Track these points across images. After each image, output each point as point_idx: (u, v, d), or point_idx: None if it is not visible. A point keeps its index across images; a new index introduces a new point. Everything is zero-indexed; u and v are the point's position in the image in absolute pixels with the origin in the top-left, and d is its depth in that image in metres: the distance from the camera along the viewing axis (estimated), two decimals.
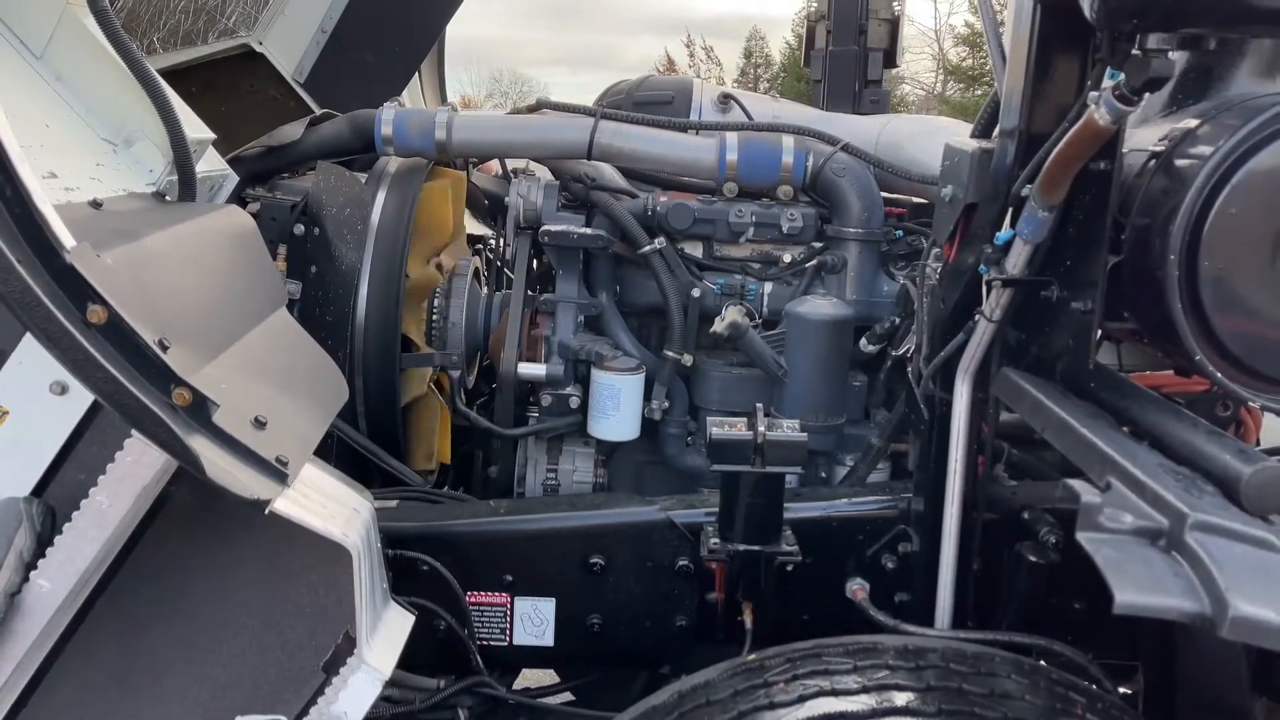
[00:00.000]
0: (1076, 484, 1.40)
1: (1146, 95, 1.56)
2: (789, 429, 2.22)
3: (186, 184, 1.98)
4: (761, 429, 2.18)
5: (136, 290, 1.43)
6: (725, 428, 2.22)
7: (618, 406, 2.51)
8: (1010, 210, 1.86)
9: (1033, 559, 2.07)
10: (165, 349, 1.36)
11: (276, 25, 3.42)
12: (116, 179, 1.85)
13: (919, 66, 25.95)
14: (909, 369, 2.34)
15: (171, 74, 3.24)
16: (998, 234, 1.87)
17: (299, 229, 2.53)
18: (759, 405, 2.24)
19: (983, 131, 2.13)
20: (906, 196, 2.83)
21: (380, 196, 2.61)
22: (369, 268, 2.53)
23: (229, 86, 3.43)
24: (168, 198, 1.98)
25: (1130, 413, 1.70)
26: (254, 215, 2.58)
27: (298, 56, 3.48)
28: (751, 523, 2.18)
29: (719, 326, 2.42)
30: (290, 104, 3.48)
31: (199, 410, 1.37)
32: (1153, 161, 1.72)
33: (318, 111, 2.96)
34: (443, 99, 4.39)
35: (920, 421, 2.22)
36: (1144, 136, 1.81)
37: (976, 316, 1.96)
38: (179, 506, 1.54)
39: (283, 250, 2.51)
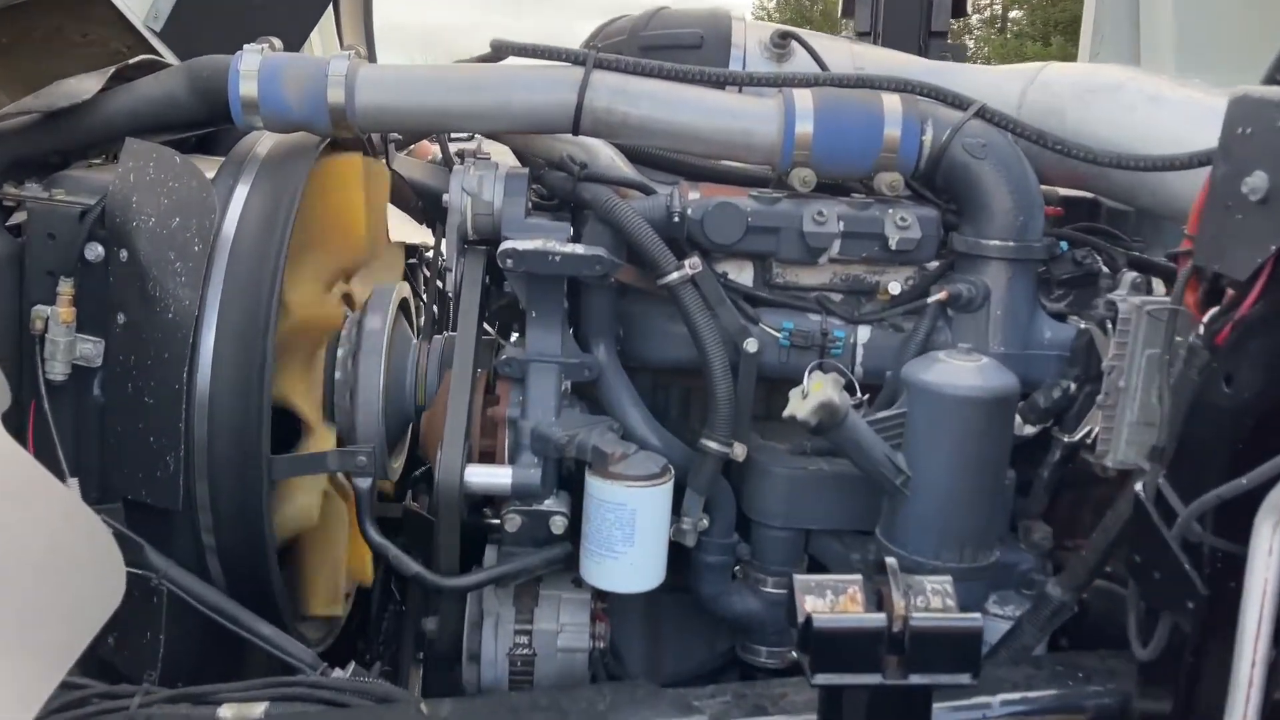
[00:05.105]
0: None
1: None
2: (937, 592, 1.28)
3: None
4: (899, 603, 1.24)
5: None
6: (826, 595, 1.28)
7: (631, 538, 1.53)
8: None
9: None
10: None
11: None
12: None
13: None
14: (1107, 473, 1.41)
15: None
16: None
17: (95, 251, 1.53)
18: (892, 561, 1.28)
19: None
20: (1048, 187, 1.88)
21: (239, 196, 1.62)
22: (218, 314, 1.54)
23: (54, 36, 2.44)
24: None
25: None
26: (16, 230, 1.57)
27: None
28: None
29: (802, 411, 1.45)
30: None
31: None
32: None
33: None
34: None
35: (1175, 581, 1.27)
36: None
37: None
38: None
39: (67, 288, 1.51)
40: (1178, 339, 1.32)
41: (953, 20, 3.06)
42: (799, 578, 1.33)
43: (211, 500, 1.57)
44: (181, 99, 1.67)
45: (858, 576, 1.34)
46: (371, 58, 3.46)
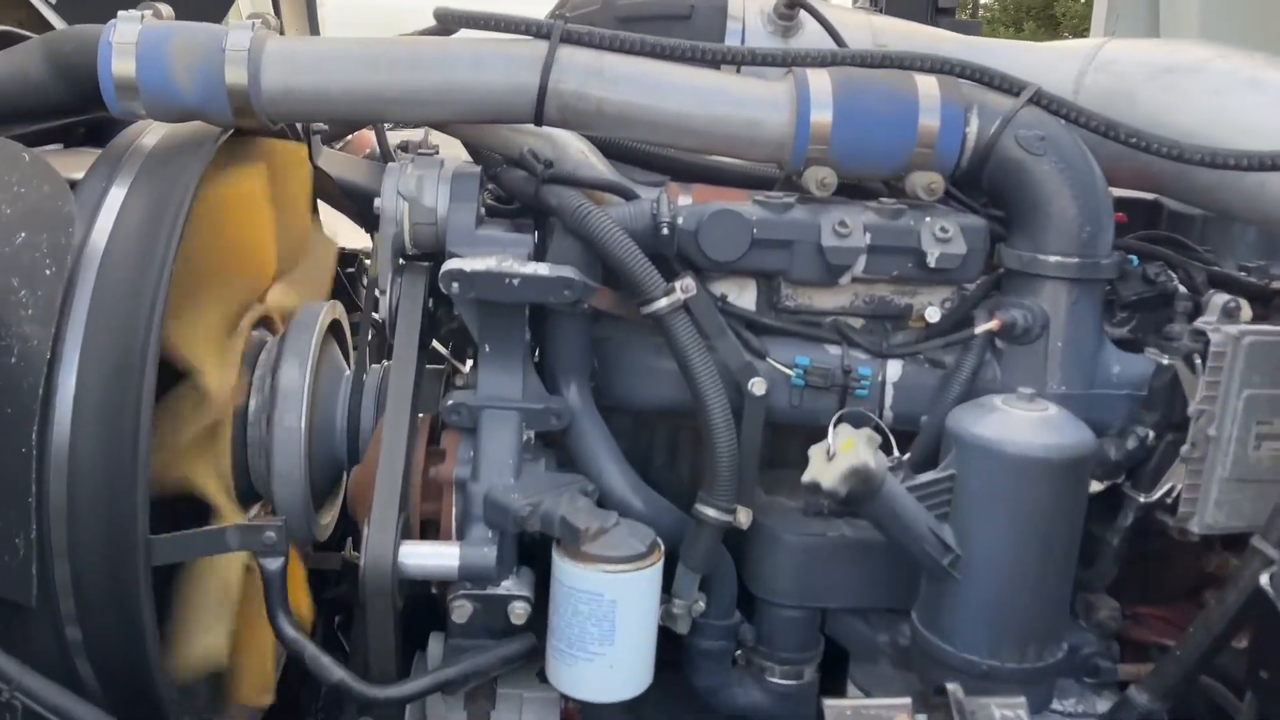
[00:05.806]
0: None
1: None
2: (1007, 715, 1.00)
3: None
4: None
5: None
6: None
7: (611, 635, 1.22)
8: None
9: None
10: None
11: None
12: None
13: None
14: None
15: None
16: None
17: None
18: (954, 687, 0.98)
19: None
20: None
21: (112, 201, 1.28)
22: (79, 354, 1.20)
23: None
24: None
25: None
26: None
27: None
28: None
29: (829, 478, 1.14)
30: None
31: None
32: None
33: None
34: None
35: None
36: None
37: None
38: None
39: None
40: None
41: None
42: (831, 704, 1.03)
43: (75, 583, 1.24)
44: (37, 79, 1.33)
45: (906, 701, 1.04)
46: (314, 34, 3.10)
